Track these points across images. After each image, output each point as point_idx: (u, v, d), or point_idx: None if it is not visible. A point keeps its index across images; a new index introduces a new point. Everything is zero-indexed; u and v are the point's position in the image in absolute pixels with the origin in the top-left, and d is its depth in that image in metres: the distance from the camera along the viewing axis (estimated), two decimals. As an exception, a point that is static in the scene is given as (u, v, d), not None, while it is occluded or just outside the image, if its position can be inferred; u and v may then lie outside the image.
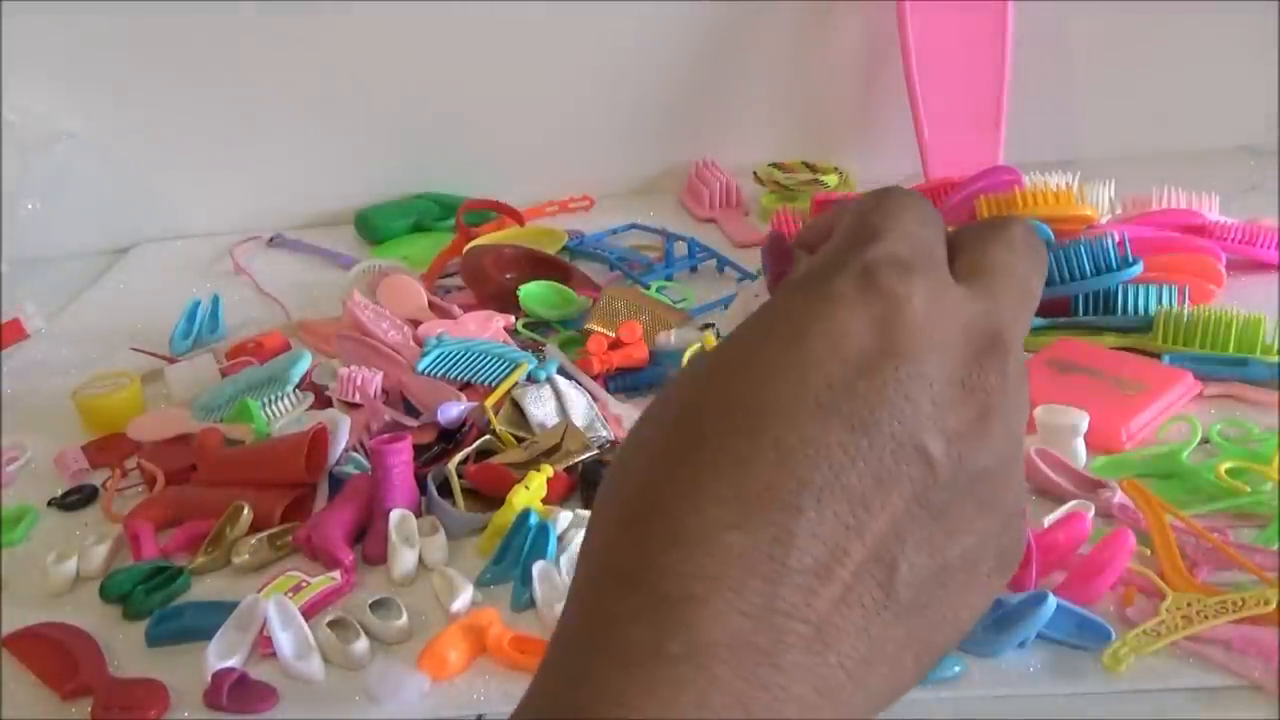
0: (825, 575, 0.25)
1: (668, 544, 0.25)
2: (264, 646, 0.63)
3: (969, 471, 0.27)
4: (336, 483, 0.76)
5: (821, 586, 0.25)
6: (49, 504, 0.81)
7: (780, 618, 0.25)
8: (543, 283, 0.98)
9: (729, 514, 0.25)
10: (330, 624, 0.63)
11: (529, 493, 0.71)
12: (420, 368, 0.85)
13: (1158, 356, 0.82)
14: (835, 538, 0.25)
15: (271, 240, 1.28)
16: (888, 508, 0.26)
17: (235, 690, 0.59)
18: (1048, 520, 0.65)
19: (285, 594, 0.65)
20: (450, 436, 0.80)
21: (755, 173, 1.23)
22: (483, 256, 1.03)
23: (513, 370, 0.85)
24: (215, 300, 1.09)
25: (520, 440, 0.78)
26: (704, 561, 0.25)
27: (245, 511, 0.72)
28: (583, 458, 0.75)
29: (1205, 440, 0.73)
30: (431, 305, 0.98)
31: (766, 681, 0.24)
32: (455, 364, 0.86)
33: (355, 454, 0.79)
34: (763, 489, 0.25)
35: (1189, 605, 0.58)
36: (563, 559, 0.67)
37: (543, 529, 0.67)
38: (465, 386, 0.86)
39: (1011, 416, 0.28)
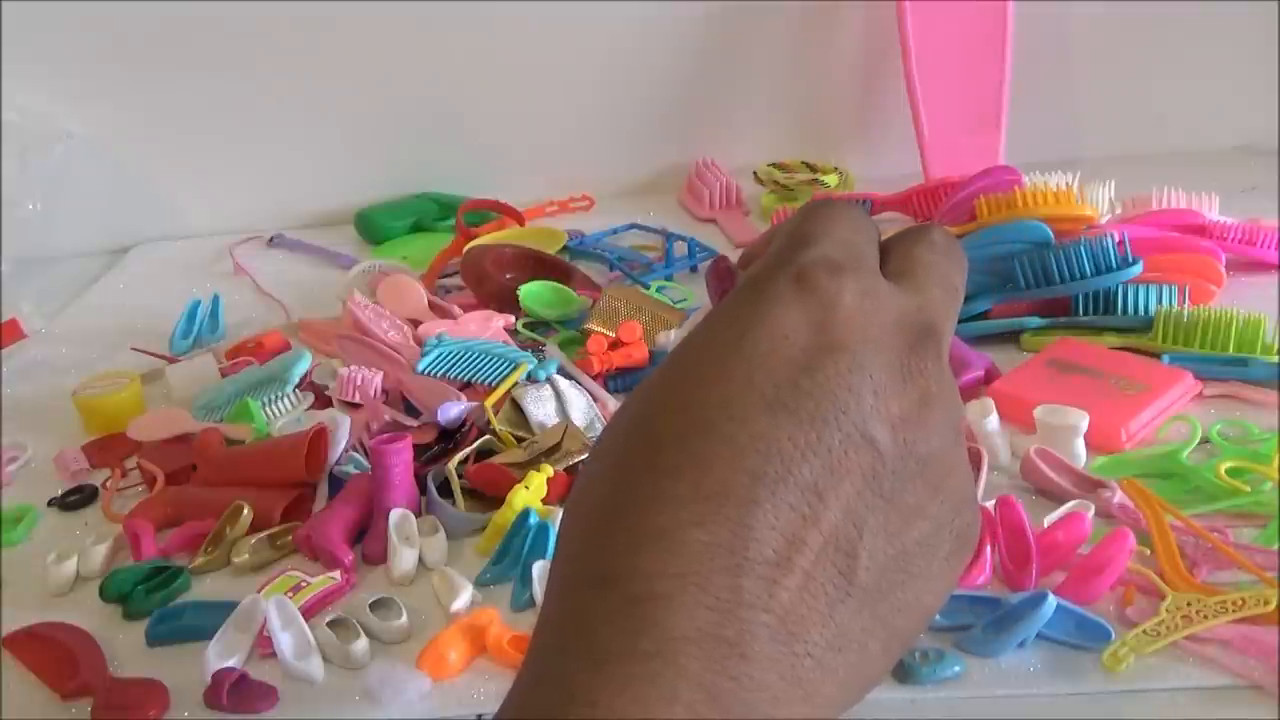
0: (785, 565, 0.26)
1: (633, 546, 0.26)
2: (264, 646, 0.63)
3: (917, 455, 0.28)
4: (336, 483, 0.76)
5: (783, 576, 0.26)
6: (49, 504, 0.81)
7: (745, 609, 0.25)
8: (543, 283, 0.98)
9: (689, 513, 0.26)
10: (330, 624, 0.63)
11: (529, 493, 0.71)
12: (420, 368, 0.85)
13: (1158, 356, 0.82)
14: (792, 528, 0.26)
15: (271, 240, 1.28)
16: (841, 496, 0.27)
17: (235, 690, 0.59)
18: (1048, 520, 0.65)
19: (285, 594, 0.65)
20: (450, 436, 0.80)
21: (755, 173, 1.23)
22: (483, 256, 1.03)
23: (513, 370, 0.85)
24: (215, 300, 1.09)
25: (520, 440, 0.78)
26: (669, 560, 0.25)
27: (245, 511, 0.72)
28: (583, 458, 0.75)
29: (1205, 440, 0.73)
30: (431, 305, 0.98)
31: (735, 672, 0.25)
32: (455, 364, 0.86)
33: (355, 454, 0.79)
34: (719, 486, 0.26)
35: (1189, 605, 0.58)
36: (563, 559, 0.67)
37: (542, 529, 0.67)
38: (465, 386, 0.86)
39: (949, 402, 0.29)
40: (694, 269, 1.07)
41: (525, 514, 0.69)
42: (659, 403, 0.28)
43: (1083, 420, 0.72)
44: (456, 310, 0.97)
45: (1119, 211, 1.01)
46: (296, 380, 0.88)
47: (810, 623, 0.26)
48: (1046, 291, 0.87)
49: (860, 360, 0.27)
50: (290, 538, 0.72)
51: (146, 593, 0.68)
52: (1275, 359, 0.79)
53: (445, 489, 0.75)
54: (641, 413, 0.29)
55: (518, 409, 0.82)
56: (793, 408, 0.27)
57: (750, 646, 0.25)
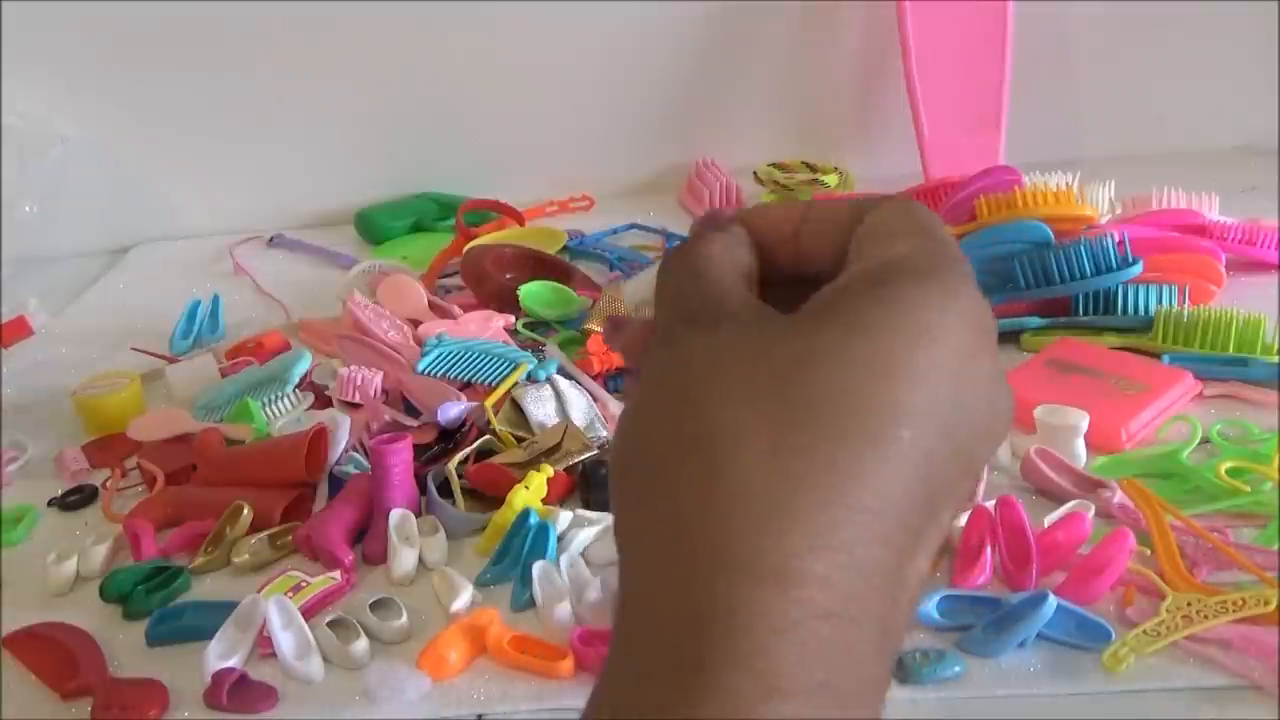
0: (919, 582, 0.26)
1: (812, 549, 0.24)
2: (264, 646, 0.63)
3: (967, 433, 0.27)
4: (336, 483, 0.76)
5: (911, 595, 0.26)
6: (49, 504, 0.81)
7: (892, 638, 0.26)
8: (543, 283, 0.98)
9: (872, 531, 0.25)
10: (330, 624, 0.63)
11: (529, 493, 0.70)
12: (420, 368, 0.85)
13: (1158, 356, 0.82)
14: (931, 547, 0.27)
15: (271, 240, 1.28)
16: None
17: (235, 690, 0.59)
18: (1048, 520, 0.65)
19: (285, 594, 0.65)
20: (450, 436, 0.80)
21: (755, 173, 1.23)
22: (483, 256, 1.03)
23: (513, 370, 0.85)
24: (215, 300, 1.09)
25: (520, 440, 0.78)
26: (853, 579, 0.25)
27: (245, 511, 0.72)
28: (582, 458, 0.75)
29: (1205, 440, 0.73)
30: (431, 305, 0.98)
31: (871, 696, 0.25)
32: (455, 364, 0.86)
33: (355, 454, 0.79)
34: (899, 507, 0.25)
35: (1189, 605, 0.58)
36: (562, 559, 0.67)
37: (542, 529, 0.67)
38: (465, 386, 0.86)
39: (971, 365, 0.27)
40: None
41: (525, 514, 0.69)
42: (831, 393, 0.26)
43: (1083, 420, 0.72)
44: (456, 310, 0.97)
45: (1119, 211, 1.01)
46: (296, 380, 0.88)
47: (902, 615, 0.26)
48: (1046, 291, 0.87)
49: (974, 368, 0.27)
50: (290, 538, 0.72)
51: (146, 593, 0.68)
52: (1275, 359, 0.79)
53: (445, 489, 0.75)
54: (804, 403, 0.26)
55: (518, 409, 0.82)
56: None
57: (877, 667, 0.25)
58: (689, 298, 0.29)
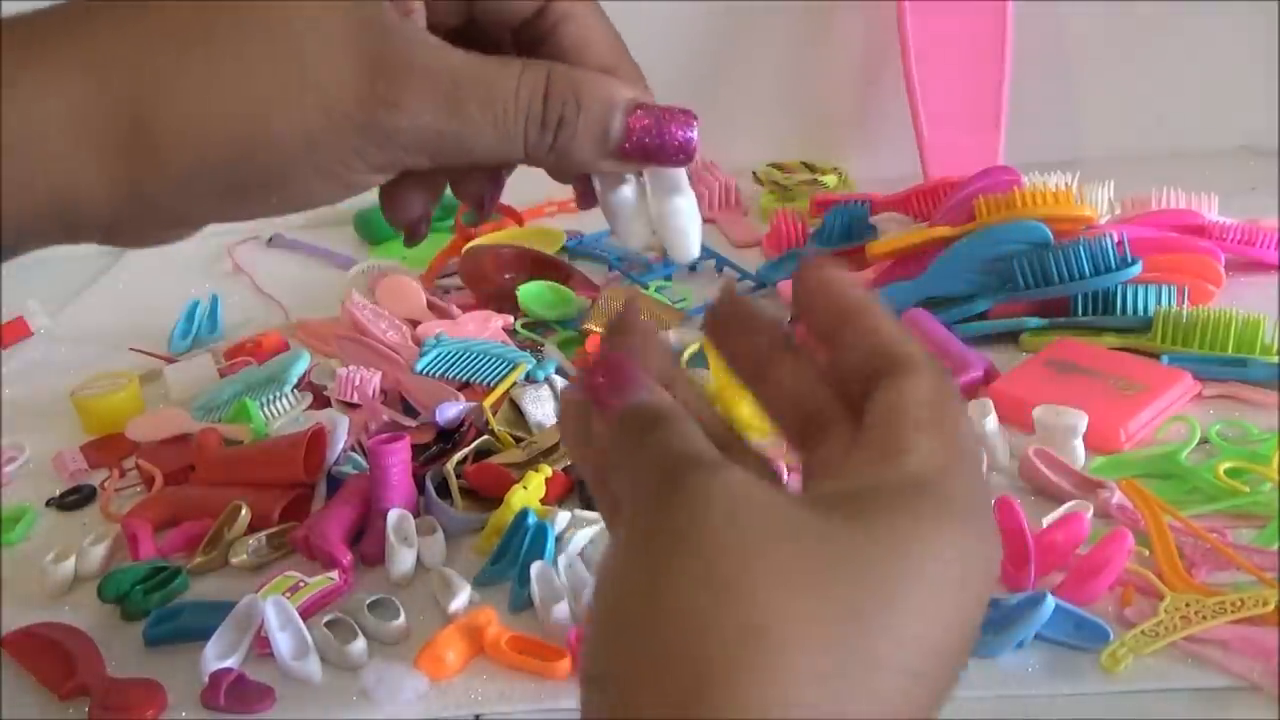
0: None
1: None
2: (261, 647, 0.63)
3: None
4: (335, 483, 0.76)
5: None
6: (47, 504, 0.81)
7: None
8: (542, 283, 0.98)
9: None
10: (328, 624, 0.63)
11: (527, 493, 0.70)
12: (419, 368, 0.85)
13: (1157, 357, 0.82)
14: None
15: (270, 240, 1.28)
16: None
17: (233, 690, 0.59)
18: (1046, 520, 0.65)
19: (283, 594, 0.65)
20: (448, 436, 0.80)
21: (755, 173, 1.23)
22: (482, 257, 1.03)
23: (511, 370, 0.85)
24: (214, 300, 1.09)
25: (518, 440, 0.78)
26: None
27: (243, 511, 0.72)
28: (581, 458, 0.75)
29: (1204, 440, 0.73)
30: (430, 305, 0.98)
31: None
32: (454, 364, 0.86)
33: (353, 454, 0.79)
34: None
35: (1187, 606, 0.58)
36: (560, 559, 0.67)
37: (541, 529, 0.67)
38: (464, 386, 0.85)
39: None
40: (693, 269, 1.07)
41: (523, 514, 0.69)
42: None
43: (1081, 421, 0.72)
44: (455, 310, 0.97)
45: (1118, 212, 1.01)
46: (295, 380, 0.88)
47: None
48: (1046, 292, 0.87)
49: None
50: (288, 538, 0.72)
51: (144, 593, 0.68)
52: (1274, 359, 0.79)
53: (443, 489, 0.75)
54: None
55: (516, 409, 0.82)
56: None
57: None
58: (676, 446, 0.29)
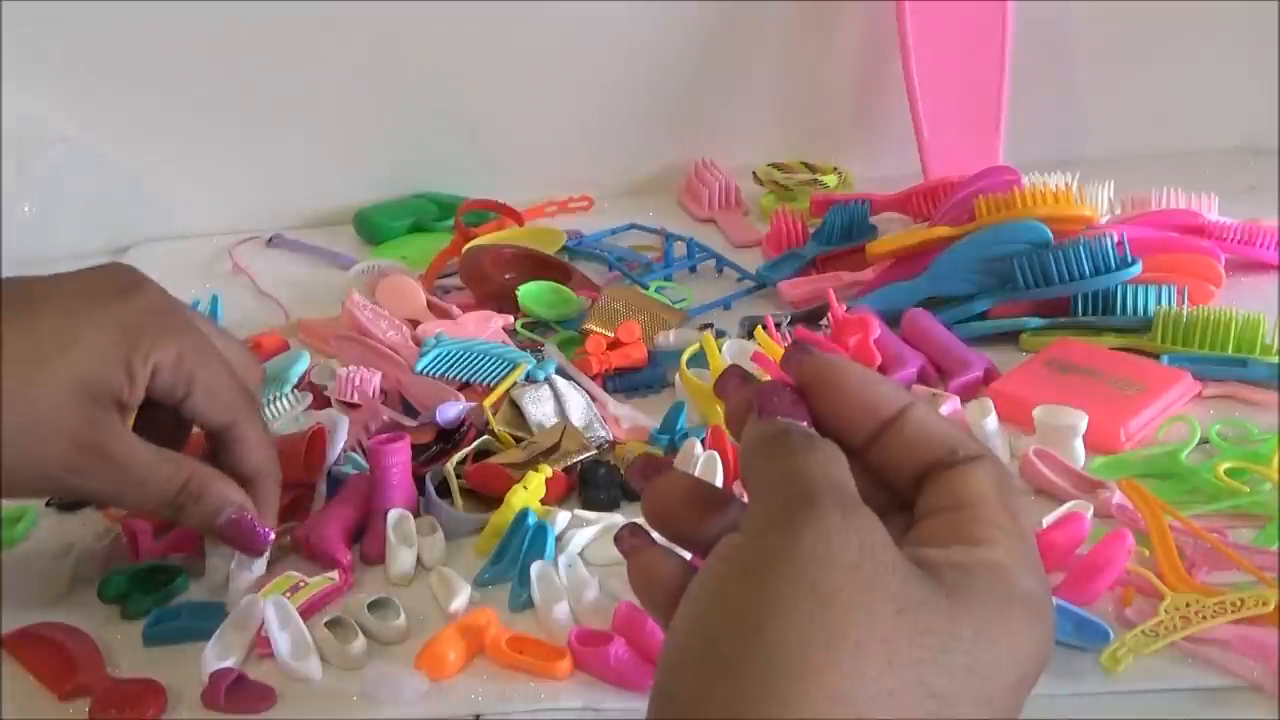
0: None
1: None
2: (261, 646, 0.63)
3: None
4: (335, 483, 0.76)
5: None
6: (47, 504, 0.80)
7: None
8: (542, 283, 0.98)
9: None
10: (328, 624, 0.63)
11: (527, 493, 0.70)
12: (419, 368, 0.85)
13: (1157, 357, 0.82)
14: None
15: (271, 240, 1.27)
16: None
17: (233, 690, 0.59)
18: (1046, 520, 0.65)
19: (283, 594, 0.65)
20: (448, 436, 0.80)
21: (755, 173, 1.23)
22: (482, 256, 1.03)
23: (511, 370, 0.85)
24: (214, 300, 1.09)
25: (519, 440, 0.78)
26: None
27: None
28: (581, 458, 0.75)
29: (1204, 440, 0.73)
30: (430, 305, 0.98)
31: None
32: (454, 364, 0.86)
33: (353, 454, 0.79)
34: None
35: (1188, 606, 0.58)
36: (561, 559, 0.67)
37: (541, 529, 0.67)
38: (464, 387, 0.85)
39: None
40: (693, 269, 1.07)
41: (524, 514, 0.69)
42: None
43: (1081, 421, 0.72)
44: (455, 310, 0.97)
45: (1118, 212, 1.01)
46: (295, 380, 0.88)
47: None
48: (1045, 292, 0.87)
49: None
50: (288, 538, 0.72)
51: (144, 593, 0.68)
52: (1274, 359, 0.79)
53: (443, 489, 0.75)
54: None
55: (516, 409, 0.82)
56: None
57: None
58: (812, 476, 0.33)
